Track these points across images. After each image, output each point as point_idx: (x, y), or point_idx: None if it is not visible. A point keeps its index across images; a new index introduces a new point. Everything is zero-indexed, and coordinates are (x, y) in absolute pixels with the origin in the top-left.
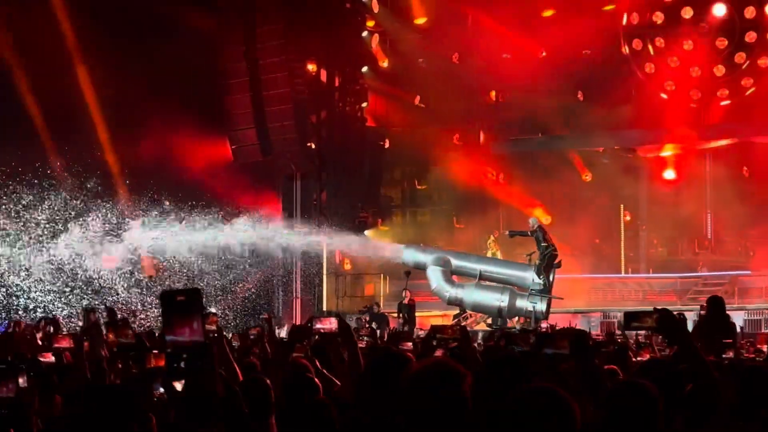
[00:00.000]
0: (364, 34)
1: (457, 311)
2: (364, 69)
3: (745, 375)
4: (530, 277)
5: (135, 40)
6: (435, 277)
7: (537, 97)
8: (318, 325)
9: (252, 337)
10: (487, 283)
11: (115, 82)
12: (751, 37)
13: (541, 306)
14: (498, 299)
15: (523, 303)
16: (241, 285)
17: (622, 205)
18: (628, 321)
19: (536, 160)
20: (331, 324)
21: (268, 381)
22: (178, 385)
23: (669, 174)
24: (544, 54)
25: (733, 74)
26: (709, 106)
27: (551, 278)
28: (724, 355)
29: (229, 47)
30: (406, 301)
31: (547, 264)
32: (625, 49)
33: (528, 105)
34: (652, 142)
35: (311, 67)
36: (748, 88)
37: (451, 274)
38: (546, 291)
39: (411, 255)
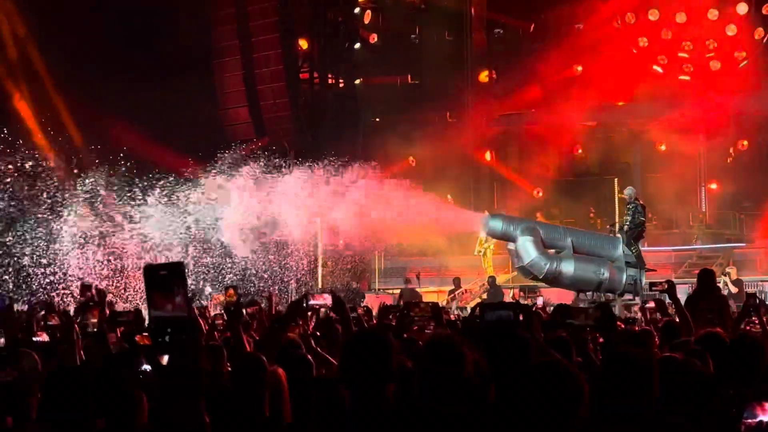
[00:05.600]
0: (356, 10)
1: (452, 287)
2: (357, 45)
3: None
4: (621, 249)
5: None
6: (528, 249)
7: (529, 72)
8: (312, 302)
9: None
10: (584, 255)
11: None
12: (743, 9)
13: (642, 278)
14: (598, 272)
15: (623, 276)
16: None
17: (615, 179)
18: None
19: (529, 136)
20: (325, 300)
21: (263, 358)
22: (164, 360)
23: (662, 147)
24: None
25: (725, 48)
26: (703, 78)
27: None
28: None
29: (221, 26)
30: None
31: (637, 236)
32: (617, 23)
33: (520, 80)
34: (651, 116)
35: (303, 43)
36: (741, 61)
37: (543, 246)
38: (642, 263)
39: (497, 224)
